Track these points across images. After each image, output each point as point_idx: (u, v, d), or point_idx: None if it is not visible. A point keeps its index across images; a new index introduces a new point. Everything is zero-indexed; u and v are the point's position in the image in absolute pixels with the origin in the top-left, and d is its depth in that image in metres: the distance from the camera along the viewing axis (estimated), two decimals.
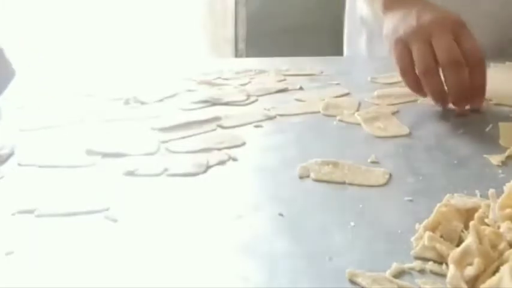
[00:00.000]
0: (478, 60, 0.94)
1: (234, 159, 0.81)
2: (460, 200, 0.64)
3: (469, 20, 0.99)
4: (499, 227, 0.58)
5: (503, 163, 0.77)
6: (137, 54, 2.59)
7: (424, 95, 0.98)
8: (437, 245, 0.57)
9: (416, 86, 0.97)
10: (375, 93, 1.06)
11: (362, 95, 1.05)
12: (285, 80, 1.16)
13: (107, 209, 0.67)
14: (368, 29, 1.42)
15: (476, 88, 0.94)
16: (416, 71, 0.95)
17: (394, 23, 1.03)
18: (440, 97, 0.96)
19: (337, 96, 1.05)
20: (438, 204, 0.62)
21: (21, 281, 0.56)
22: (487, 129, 0.88)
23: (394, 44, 1.00)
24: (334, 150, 0.83)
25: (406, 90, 1.00)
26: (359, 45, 1.45)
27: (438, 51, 0.94)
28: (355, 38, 1.48)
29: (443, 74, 0.94)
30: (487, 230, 0.56)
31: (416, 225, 0.61)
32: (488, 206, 0.61)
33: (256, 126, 0.92)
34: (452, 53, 0.93)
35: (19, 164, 0.80)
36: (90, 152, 0.82)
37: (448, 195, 0.65)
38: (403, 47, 0.98)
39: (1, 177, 0.76)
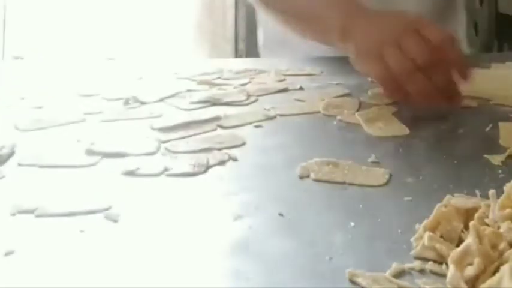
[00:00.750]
0: (455, 52, 0.96)
1: (234, 159, 0.81)
2: (460, 200, 0.64)
3: None
4: (499, 227, 0.57)
5: (504, 163, 0.77)
6: (137, 54, 2.59)
7: (405, 97, 0.96)
8: (437, 245, 0.57)
9: (397, 88, 0.96)
10: (369, 92, 1.06)
11: (362, 95, 1.05)
12: (285, 80, 1.16)
13: (107, 209, 0.67)
14: None
15: (460, 72, 0.96)
16: (396, 76, 0.95)
17: (359, 46, 1.02)
18: (429, 95, 0.94)
19: (337, 96, 1.05)
20: (438, 204, 0.62)
21: (21, 281, 0.56)
22: (487, 129, 0.88)
23: (366, 61, 1.00)
24: (334, 150, 0.83)
25: None
26: None
27: (411, 53, 0.93)
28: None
29: (426, 76, 0.93)
30: (487, 230, 0.56)
31: (416, 226, 0.61)
32: (488, 206, 0.61)
33: (256, 126, 0.92)
34: (424, 50, 0.93)
35: (19, 164, 0.79)
36: (90, 152, 0.82)
37: (448, 195, 0.65)
38: (376, 59, 0.97)
39: (1, 177, 0.76)
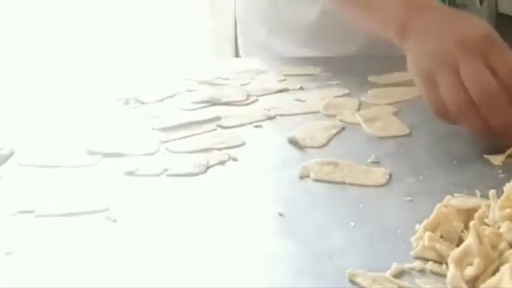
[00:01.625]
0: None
1: (234, 159, 0.81)
2: (460, 200, 0.64)
3: None
4: (499, 227, 0.58)
5: (504, 163, 0.77)
6: (137, 54, 2.59)
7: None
8: (437, 245, 0.57)
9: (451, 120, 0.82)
10: (369, 92, 1.06)
11: (362, 95, 1.05)
12: (285, 80, 1.15)
13: (107, 209, 0.67)
14: None
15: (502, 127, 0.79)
16: (448, 109, 0.81)
17: (414, 57, 0.87)
18: (486, 134, 0.81)
19: (337, 96, 1.05)
20: (438, 205, 0.62)
21: (21, 281, 0.56)
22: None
23: (418, 80, 0.86)
24: (334, 151, 0.83)
25: (402, 88, 1.00)
26: None
27: (469, 85, 0.78)
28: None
29: (482, 113, 0.79)
30: (487, 230, 0.56)
31: (416, 226, 0.61)
32: (488, 206, 0.61)
33: (257, 126, 0.92)
34: (485, 86, 0.78)
35: (19, 164, 0.80)
36: (90, 152, 0.82)
37: (448, 196, 0.65)
38: (429, 83, 0.83)
39: (1, 177, 0.76)
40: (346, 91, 1.07)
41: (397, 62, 0.95)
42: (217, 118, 0.94)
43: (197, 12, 2.84)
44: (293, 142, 0.85)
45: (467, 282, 0.52)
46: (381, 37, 1.00)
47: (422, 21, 0.89)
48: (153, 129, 0.91)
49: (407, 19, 0.90)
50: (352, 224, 0.64)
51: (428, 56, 0.84)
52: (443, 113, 0.82)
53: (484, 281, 0.51)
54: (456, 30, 0.84)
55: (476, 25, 0.85)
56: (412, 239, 0.60)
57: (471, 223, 0.56)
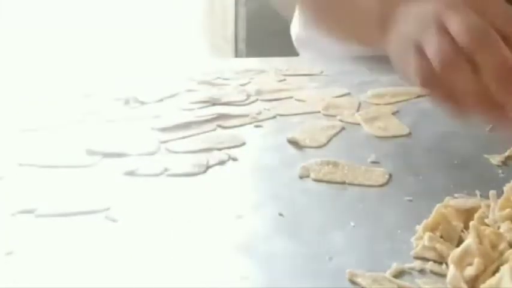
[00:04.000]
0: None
1: (234, 159, 0.81)
2: (460, 200, 0.64)
3: None
4: (499, 228, 0.58)
5: (504, 163, 0.77)
6: (137, 54, 2.59)
7: (451, 99, 0.70)
8: (437, 245, 0.57)
9: (440, 86, 0.70)
10: (369, 92, 1.06)
11: (362, 95, 1.05)
12: (284, 79, 1.16)
13: (107, 209, 0.67)
14: None
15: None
16: (436, 69, 0.68)
17: (396, 40, 0.78)
18: (478, 99, 0.67)
19: (337, 96, 1.05)
20: (438, 205, 0.62)
21: (21, 281, 0.56)
22: (487, 129, 0.88)
23: (404, 57, 0.75)
24: (334, 150, 0.83)
25: (402, 88, 1.01)
26: None
27: (457, 35, 0.67)
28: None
29: (477, 61, 0.66)
30: (487, 230, 0.56)
31: (417, 226, 0.61)
32: (488, 206, 0.61)
33: (256, 126, 0.92)
34: (475, 28, 0.67)
35: (19, 164, 0.79)
36: (90, 152, 0.82)
37: (447, 197, 0.65)
38: (414, 53, 0.72)
39: (1, 177, 0.76)
40: (346, 91, 1.07)
41: None
42: (217, 118, 0.94)
43: (197, 12, 2.84)
44: (293, 142, 0.85)
45: (467, 282, 0.52)
46: (359, 42, 1.01)
47: (402, 10, 0.79)
48: (153, 129, 0.91)
49: (387, 14, 0.81)
50: (352, 224, 0.64)
51: (412, 26, 0.74)
52: (430, 77, 0.70)
53: (484, 281, 0.51)
54: (434, 4, 0.73)
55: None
56: (412, 239, 0.60)
57: (471, 223, 0.56)
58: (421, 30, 0.71)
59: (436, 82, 0.70)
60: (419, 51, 0.71)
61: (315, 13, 1.15)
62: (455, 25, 0.67)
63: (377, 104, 1.00)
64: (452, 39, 0.67)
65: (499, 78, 0.65)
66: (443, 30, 0.69)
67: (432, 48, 0.69)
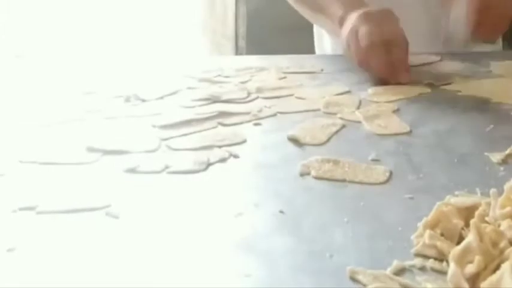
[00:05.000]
0: (398, 40, 1.13)
1: (235, 157, 0.81)
2: (460, 199, 0.64)
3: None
4: (499, 226, 0.58)
5: (504, 161, 0.77)
6: (138, 51, 2.59)
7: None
8: (438, 243, 0.57)
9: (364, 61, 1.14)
10: (369, 90, 1.06)
11: (362, 92, 1.05)
12: (285, 77, 1.16)
13: (108, 206, 0.67)
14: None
15: (398, 62, 1.12)
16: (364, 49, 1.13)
17: (342, 36, 1.20)
18: (385, 66, 1.11)
19: (337, 94, 1.05)
20: (438, 203, 0.62)
21: (23, 277, 0.56)
22: (488, 129, 0.88)
23: (344, 47, 1.19)
24: (334, 148, 0.83)
25: (402, 87, 1.05)
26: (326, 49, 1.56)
27: (360, 40, 1.13)
28: (321, 41, 1.59)
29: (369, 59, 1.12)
30: (488, 228, 0.56)
31: (418, 224, 0.61)
32: (489, 204, 0.61)
33: (257, 124, 0.92)
34: (369, 38, 1.12)
35: (20, 161, 0.80)
36: (91, 149, 0.82)
37: (448, 196, 0.65)
38: (347, 45, 1.18)
39: (2, 174, 0.76)
40: (347, 89, 1.07)
41: None
42: (218, 115, 0.94)
43: (197, 10, 2.84)
44: (293, 140, 0.85)
45: (467, 280, 0.52)
46: (333, 32, 1.35)
47: (353, 15, 1.19)
48: (154, 126, 0.91)
49: (344, 15, 1.22)
50: (353, 221, 0.64)
51: (347, 29, 1.17)
52: (359, 54, 1.14)
53: (484, 279, 0.51)
54: (365, 13, 1.17)
55: (382, 8, 1.19)
56: (413, 236, 0.60)
57: (472, 221, 0.56)
58: (349, 36, 1.16)
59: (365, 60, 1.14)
60: (354, 42, 1.15)
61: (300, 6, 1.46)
62: (360, 35, 1.14)
63: (377, 102, 1.00)
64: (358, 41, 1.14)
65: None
66: (356, 34, 1.15)
67: (361, 35, 1.14)
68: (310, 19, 1.48)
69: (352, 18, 1.18)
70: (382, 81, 1.11)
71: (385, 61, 1.11)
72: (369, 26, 1.14)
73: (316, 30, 1.58)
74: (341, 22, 1.23)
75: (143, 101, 1.03)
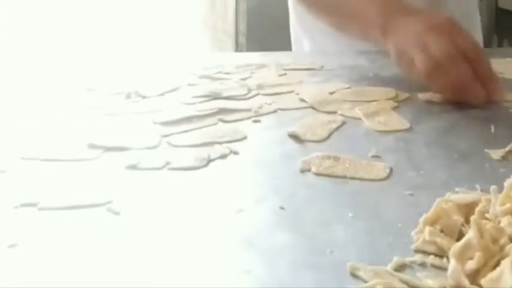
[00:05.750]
0: (477, 53, 0.99)
1: (235, 153, 0.81)
2: (460, 196, 0.64)
3: None
4: (499, 222, 0.58)
5: (504, 158, 0.78)
6: (138, 48, 2.59)
7: (448, 87, 1.00)
8: (438, 240, 0.58)
9: (441, 77, 0.99)
10: (369, 87, 1.06)
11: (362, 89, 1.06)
12: (285, 74, 1.16)
13: (110, 202, 0.68)
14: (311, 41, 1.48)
15: (483, 78, 0.98)
16: (439, 63, 0.98)
17: (398, 44, 1.06)
18: (470, 83, 0.97)
19: (337, 91, 1.05)
20: (438, 199, 0.62)
21: (25, 273, 0.56)
22: (488, 126, 0.88)
23: (406, 57, 1.04)
24: (335, 145, 0.83)
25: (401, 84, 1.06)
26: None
27: (435, 53, 0.98)
28: (300, 43, 1.53)
29: (446, 72, 0.98)
30: (488, 225, 0.56)
31: (418, 220, 0.61)
32: (489, 200, 0.61)
33: (257, 121, 0.92)
34: (446, 49, 0.98)
35: (22, 158, 0.80)
36: (92, 146, 0.82)
37: (448, 193, 0.65)
38: (408, 61, 1.03)
39: (4, 170, 0.76)
40: (347, 85, 1.08)
41: None
42: (219, 112, 0.95)
43: (198, 7, 2.84)
44: (294, 136, 0.85)
45: (468, 276, 0.52)
46: (365, 41, 1.21)
47: (399, 20, 1.09)
48: (154, 123, 0.91)
49: (387, 21, 1.10)
50: (353, 217, 0.64)
51: (406, 43, 1.04)
52: (433, 70, 0.99)
53: (484, 275, 0.51)
54: (425, 21, 1.05)
55: (440, 16, 1.06)
56: (413, 232, 0.60)
57: (472, 217, 0.56)
58: (411, 46, 1.02)
59: (436, 71, 0.99)
60: (422, 50, 1.00)
61: (318, 9, 1.34)
62: (435, 46, 0.99)
63: (377, 99, 1.00)
64: (431, 56, 0.99)
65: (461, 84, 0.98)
66: (424, 49, 1.00)
67: (417, 61, 1.00)
68: (330, 26, 1.33)
69: (409, 26, 1.06)
70: (459, 96, 0.99)
71: (469, 77, 0.97)
72: (441, 37, 1.00)
73: (293, 31, 1.54)
74: (384, 30, 1.10)
75: (144, 97, 1.03)
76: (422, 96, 1.02)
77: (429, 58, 0.99)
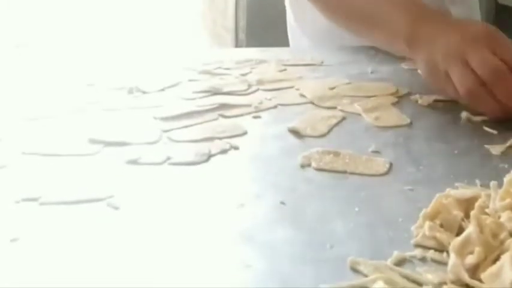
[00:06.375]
0: None
1: (236, 148, 0.81)
2: (460, 190, 0.64)
3: None
4: (499, 217, 0.58)
5: (504, 153, 0.78)
6: (138, 44, 2.59)
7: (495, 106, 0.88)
8: (438, 234, 0.58)
9: (486, 96, 0.88)
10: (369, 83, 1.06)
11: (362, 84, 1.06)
12: (285, 69, 1.16)
13: (110, 197, 0.68)
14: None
15: None
16: (483, 80, 0.87)
17: (426, 60, 0.96)
18: (500, 113, 0.87)
19: (337, 86, 1.05)
20: (438, 194, 0.62)
21: (26, 267, 0.56)
22: (488, 121, 0.88)
23: (434, 80, 0.96)
24: (335, 140, 0.83)
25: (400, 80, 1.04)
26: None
27: (478, 70, 0.87)
28: (297, 41, 1.49)
29: (492, 90, 0.87)
30: (488, 220, 0.56)
31: (418, 215, 0.61)
32: (489, 196, 0.61)
33: (257, 116, 0.92)
34: (491, 65, 0.87)
35: (23, 153, 0.80)
36: (93, 141, 0.82)
37: (448, 188, 0.65)
38: (444, 78, 0.91)
39: (5, 165, 0.76)
40: (347, 81, 1.08)
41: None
42: (219, 107, 0.95)
43: (197, 2, 2.84)
44: (294, 131, 0.85)
45: (468, 271, 0.52)
46: (390, 50, 1.13)
47: (429, 29, 0.97)
48: (155, 118, 0.91)
49: (415, 30, 0.99)
50: (353, 212, 0.64)
51: (439, 55, 0.92)
52: (477, 89, 0.87)
53: (484, 270, 0.52)
54: (461, 30, 0.93)
55: (477, 24, 0.97)
56: (413, 227, 0.60)
57: (472, 212, 0.57)
58: (447, 59, 0.91)
59: (480, 91, 0.87)
60: (447, 76, 0.90)
61: (339, 14, 1.23)
62: (477, 62, 0.87)
63: (377, 95, 1.00)
64: (473, 74, 0.87)
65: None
66: (465, 64, 0.88)
67: (457, 79, 0.89)
68: (349, 31, 1.22)
69: (441, 35, 0.94)
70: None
71: (495, 108, 0.87)
72: (481, 49, 0.88)
73: (290, 29, 1.51)
74: (412, 39, 0.99)
75: (144, 93, 1.03)
76: (421, 101, 0.98)
77: (470, 74, 0.87)
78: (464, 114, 0.90)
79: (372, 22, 1.11)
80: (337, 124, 0.89)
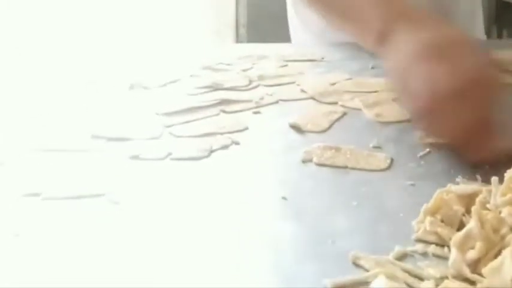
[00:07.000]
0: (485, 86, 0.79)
1: (237, 144, 0.81)
2: (461, 186, 0.65)
3: None
4: (500, 213, 0.58)
5: None
6: (140, 40, 2.59)
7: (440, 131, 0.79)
8: (439, 229, 0.58)
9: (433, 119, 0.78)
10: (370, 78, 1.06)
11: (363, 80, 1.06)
12: (286, 65, 1.16)
13: (112, 192, 0.68)
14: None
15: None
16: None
17: (391, 62, 0.86)
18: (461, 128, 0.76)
19: (338, 82, 1.05)
20: (438, 190, 0.62)
21: (28, 262, 0.56)
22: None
23: (392, 79, 0.86)
24: (336, 135, 0.84)
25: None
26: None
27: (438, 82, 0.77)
28: (298, 37, 1.48)
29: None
30: (489, 215, 0.57)
31: (419, 210, 0.61)
32: (489, 191, 0.61)
33: (258, 112, 0.93)
34: (454, 85, 0.76)
35: (25, 149, 0.80)
36: (95, 136, 0.83)
37: (449, 184, 0.65)
38: (404, 85, 0.82)
39: (8, 161, 0.76)
40: (348, 76, 1.08)
41: None
42: (220, 103, 0.95)
43: None
44: (295, 127, 0.86)
45: (469, 265, 0.52)
46: (361, 45, 1.02)
47: (400, 28, 0.87)
48: (157, 114, 0.91)
49: (386, 30, 0.90)
50: (355, 207, 0.64)
51: (404, 61, 0.82)
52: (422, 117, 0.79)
53: (485, 264, 0.52)
54: (429, 36, 0.83)
55: (450, 28, 0.85)
56: (414, 222, 0.61)
57: (473, 208, 0.57)
58: (409, 65, 0.80)
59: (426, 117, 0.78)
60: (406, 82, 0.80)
61: (319, 7, 1.19)
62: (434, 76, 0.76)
63: (378, 90, 1.00)
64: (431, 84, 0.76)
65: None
66: (427, 71, 0.77)
67: (415, 87, 0.78)
68: (329, 24, 1.18)
69: (411, 40, 0.83)
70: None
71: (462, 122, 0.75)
72: (446, 64, 0.76)
73: (291, 24, 1.50)
74: (381, 38, 0.90)
75: (146, 88, 1.03)
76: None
77: (431, 91, 0.76)
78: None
79: (347, 14, 1.04)
80: (338, 119, 0.89)
